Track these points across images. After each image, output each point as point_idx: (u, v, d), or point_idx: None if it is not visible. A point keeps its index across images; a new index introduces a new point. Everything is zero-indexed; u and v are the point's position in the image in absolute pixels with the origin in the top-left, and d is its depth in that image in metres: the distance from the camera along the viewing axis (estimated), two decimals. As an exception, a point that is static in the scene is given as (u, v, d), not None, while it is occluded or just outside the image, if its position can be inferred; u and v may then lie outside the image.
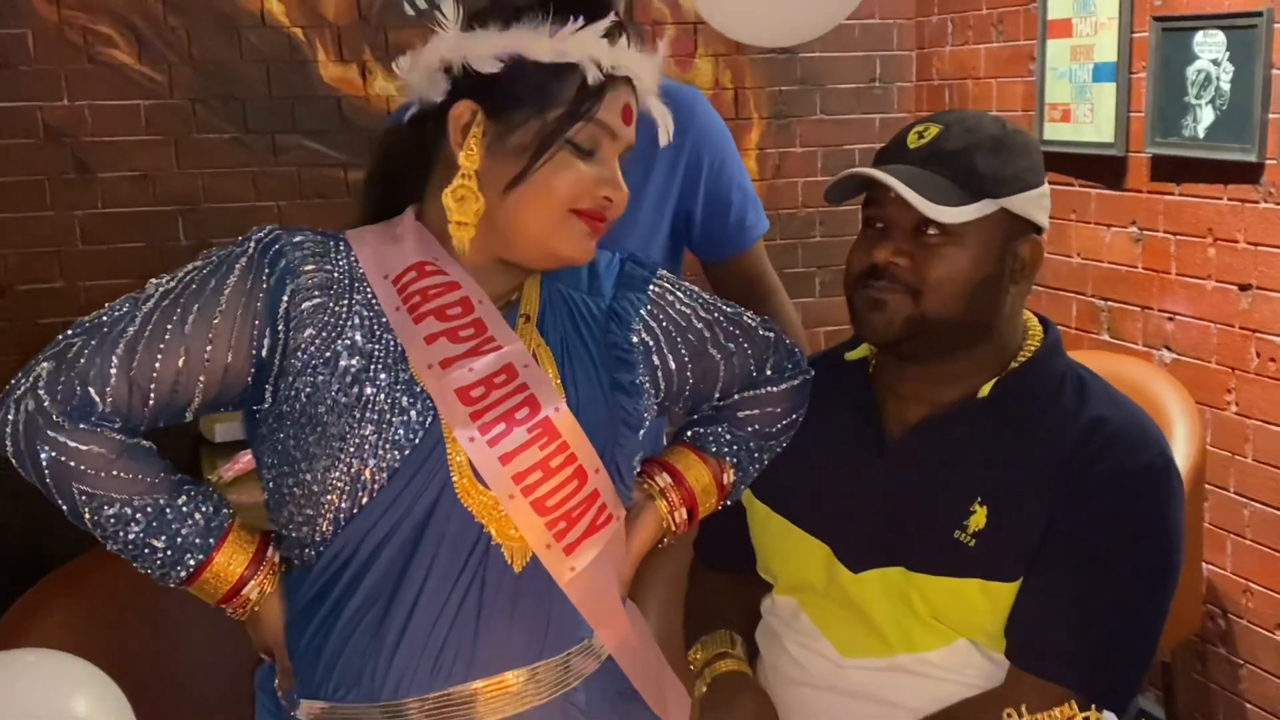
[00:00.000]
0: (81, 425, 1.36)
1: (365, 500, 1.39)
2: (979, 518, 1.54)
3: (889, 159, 1.59)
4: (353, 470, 1.38)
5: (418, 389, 1.41)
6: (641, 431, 1.54)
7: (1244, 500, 3.03)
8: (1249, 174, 2.90)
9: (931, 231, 1.54)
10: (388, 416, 1.39)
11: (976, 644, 1.57)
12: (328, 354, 1.40)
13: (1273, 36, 2.79)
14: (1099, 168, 3.40)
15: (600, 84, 1.40)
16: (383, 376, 1.40)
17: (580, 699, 1.49)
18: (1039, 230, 1.60)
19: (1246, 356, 2.98)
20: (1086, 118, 3.40)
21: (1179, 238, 3.16)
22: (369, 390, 1.39)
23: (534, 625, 1.45)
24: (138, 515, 1.40)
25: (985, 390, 1.59)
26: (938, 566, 1.56)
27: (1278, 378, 2.90)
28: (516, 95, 1.40)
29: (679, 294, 1.60)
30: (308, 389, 1.39)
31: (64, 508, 1.40)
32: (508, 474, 1.41)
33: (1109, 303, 3.42)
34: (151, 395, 1.37)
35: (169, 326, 1.37)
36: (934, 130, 1.57)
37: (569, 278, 1.54)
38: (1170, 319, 3.21)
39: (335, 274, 1.42)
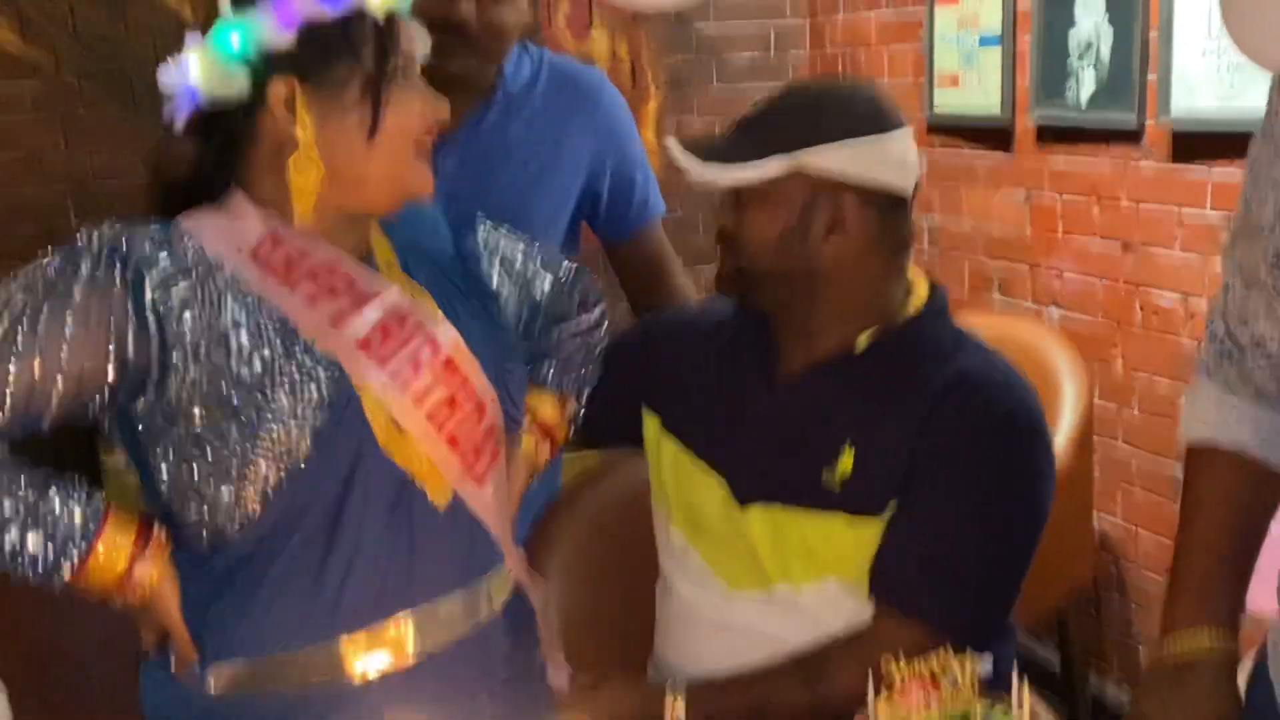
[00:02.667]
0: None
1: (295, 465, 1.40)
2: (846, 459, 1.61)
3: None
4: (276, 439, 1.38)
5: (317, 352, 1.43)
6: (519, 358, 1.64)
7: (1132, 450, 3.12)
8: (1130, 137, 2.99)
9: (743, 192, 1.63)
10: (298, 380, 1.41)
11: (845, 584, 1.62)
12: (215, 335, 1.39)
13: None
14: (987, 134, 3.47)
15: (389, 14, 1.46)
16: (279, 344, 1.41)
17: (501, 624, 1.57)
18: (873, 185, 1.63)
19: (1131, 312, 3.07)
20: (974, 85, 3.47)
21: (1065, 199, 3.24)
22: (271, 360, 1.40)
23: (458, 555, 1.52)
24: (9, 519, 1.37)
25: (861, 343, 1.65)
26: (808, 503, 1.63)
27: (1161, 331, 3.00)
28: (326, 56, 1.43)
29: (501, 230, 1.70)
30: (206, 372, 1.38)
31: None
32: (421, 414, 1.46)
33: (1000, 262, 3.50)
34: (6, 403, 1.35)
35: (20, 330, 1.35)
36: (766, 100, 1.68)
37: (405, 226, 1.59)
38: (1058, 277, 3.30)
39: (190, 258, 1.41)
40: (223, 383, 1.38)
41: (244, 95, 1.43)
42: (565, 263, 1.75)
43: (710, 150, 1.64)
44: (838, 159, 1.60)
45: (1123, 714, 1.34)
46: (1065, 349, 2.90)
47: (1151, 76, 2.89)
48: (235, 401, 1.39)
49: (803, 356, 1.69)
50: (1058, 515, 2.70)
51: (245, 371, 1.39)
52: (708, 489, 1.72)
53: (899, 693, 1.25)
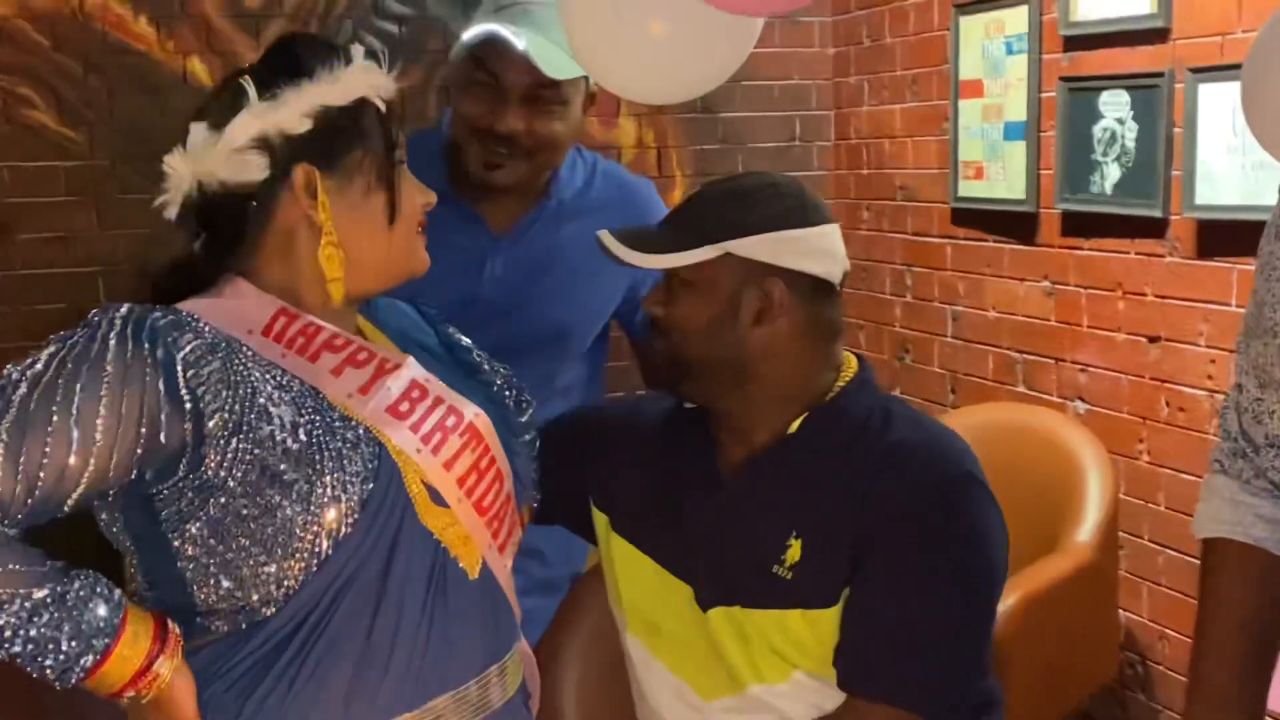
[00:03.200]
0: None
1: (343, 535, 1.39)
2: (794, 551, 1.61)
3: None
4: (327, 510, 1.38)
5: (352, 421, 1.44)
6: (523, 445, 1.66)
7: (1158, 548, 3.09)
8: (1155, 229, 2.99)
9: (673, 278, 1.66)
10: (343, 451, 1.41)
11: (813, 676, 1.61)
12: (255, 409, 1.38)
13: (1174, 96, 2.89)
14: (1012, 223, 3.48)
15: (389, 102, 1.53)
16: (316, 417, 1.42)
17: (515, 704, 1.58)
18: (802, 273, 1.64)
19: (1157, 407, 3.06)
20: (999, 175, 3.49)
21: (1089, 291, 3.24)
22: (316, 432, 1.41)
23: (487, 629, 1.53)
24: (39, 608, 1.32)
25: (794, 427, 1.66)
26: (763, 600, 1.61)
27: (1187, 427, 2.98)
28: (341, 142, 1.48)
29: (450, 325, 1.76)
30: (248, 446, 1.37)
31: None
32: (452, 479, 1.48)
33: (1024, 355, 3.50)
34: (38, 484, 1.31)
35: (53, 410, 1.31)
36: (696, 192, 1.72)
37: (388, 314, 1.65)
38: (1083, 371, 3.29)
39: (209, 339, 1.40)
40: (269, 457, 1.37)
41: (260, 182, 1.46)
42: (503, 368, 1.75)
43: (640, 241, 1.66)
44: (765, 246, 1.62)
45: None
46: (1090, 442, 2.88)
47: (1176, 171, 2.90)
48: (284, 473, 1.38)
49: (741, 449, 1.69)
50: (1082, 612, 2.70)
51: (292, 443, 1.39)
52: (668, 595, 1.70)
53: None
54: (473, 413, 1.53)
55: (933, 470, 1.61)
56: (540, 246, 2.15)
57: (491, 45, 2.04)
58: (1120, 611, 3.10)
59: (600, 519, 1.79)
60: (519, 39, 2.02)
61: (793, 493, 1.64)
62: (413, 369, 1.52)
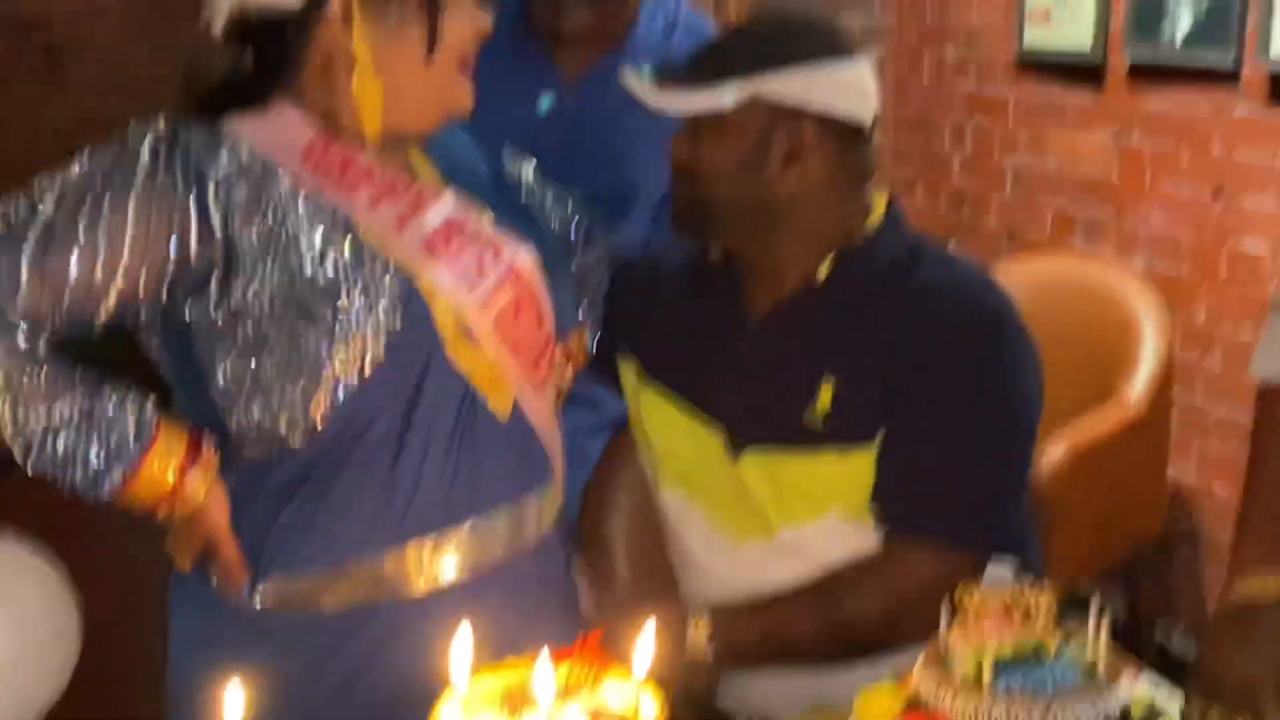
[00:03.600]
0: None
1: (368, 371, 1.39)
2: (826, 394, 1.59)
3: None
4: (351, 343, 1.38)
5: (384, 256, 1.42)
6: (568, 283, 1.64)
7: (1211, 401, 3.07)
8: (1226, 79, 2.90)
9: (700, 122, 1.60)
10: (371, 284, 1.40)
11: (846, 518, 1.61)
12: (283, 238, 1.38)
13: (1254, -62, 2.79)
14: (1077, 72, 3.39)
15: None
16: (347, 250, 1.40)
17: (549, 542, 1.58)
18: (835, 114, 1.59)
19: (1217, 260, 3.01)
20: (1067, 20, 3.39)
21: (1155, 142, 3.16)
22: (344, 263, 1.39)
23: (516, 468, 1.52)
24: (66, 422, 1.34)
25: (823, 272, 1.63)
26: (796, 442, 1.61)
27: (1247, 280, 2.93)
28: None
29: (518, 161, 1.72)
30: (277, 274, 1.37)
31: None
32: (489, 317, 1.46)
33: (1085, 210, 3.43)
34: (66, 298, 1.32)
35: (80, 223, 1.32)
36: (725, 28, 1.67)
37: (443, 147, 1.59)
38: (1144, 222, 3.23)
39: (244, 160, 1.39)
40: (295, 285, 1.37)
41: (298, 5, 1.41)
42: (572, 199, 1.75)
43: (666, 77, 1.62)
44: (796, 85, 1.57)
45: (1188, 662, 1.32)
46: (1147, 297, 2.84)
47: (1251, 17, 2.80)
48: (310, 305, 1.37)
49: (769, 294, 1.66)
50: (1131, 465, 2.69)
51: (319, 275, 1.38)
52: (700, 440, 1.69)
53: (973, 624, 1.24)
54: (513, 251, 1.50)
55: (964, 308, 1.59)
56: (609, 100, 2.10)
57: None
58: (1169, 467, 3.09)
59: (629, 369, 1.78)
60: None
61: (823, 336, 1.63)
62: (451, 204, 1.49)
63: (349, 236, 1.41)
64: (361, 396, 1.40)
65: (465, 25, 1.46)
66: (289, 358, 1.38)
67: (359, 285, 1.39)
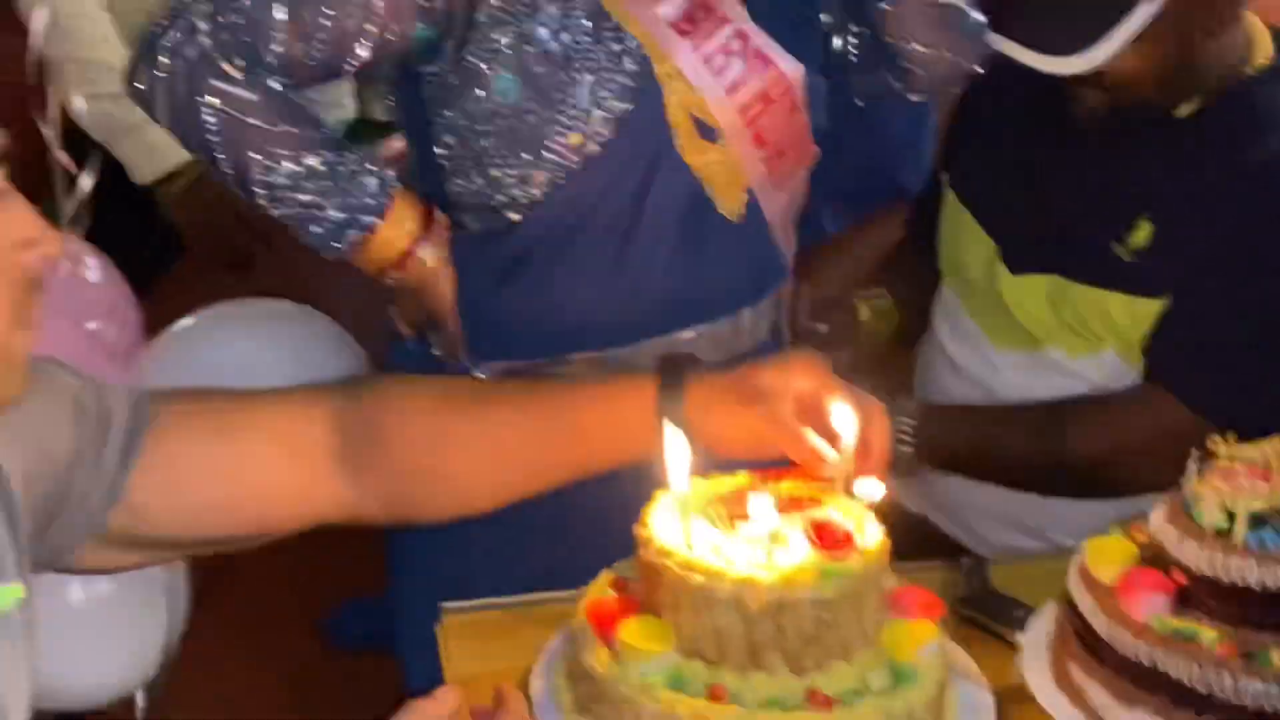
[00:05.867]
0: (247, 74, 1.30)
1: (590, 152, 1.36)
2: (1142, 233, 1.48)
3: None
4: (576, 122, 1.34)
5: (623, 33, 1.37)
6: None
7: None
8: None
9: None
10: (604, 64, 1.35)
11: (1120, 355, 1.53)
12: (524, 3, 1.34)
13: None
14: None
15: None
16: (586, 22, 1.36)
17: (772, 345, 1.56)
18: None
19: None
20: None
21: None
22: (581, 37, 1.35)
23: (749, 270, 1.49)
24: (311, 174, 1.34)
25: (1184, 110, 1.48)
26: (1089, 276, 1.51)
27: None
28: None
29: None
30: (509, 39, 1.34)
31: (229, 172, 1.35)
32: (734, 104, 1.40)
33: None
34: (319, 44, 1.31)
35: None
36: None
37: None
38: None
39: None
40: (528, 52, 1.34)
41: None
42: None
43: (1043, 29, 1.41)
44: None
45: None
46: None
47: None
48: (539, 75, 1.34)
49: (1108, 107, 1.50)
50: None
51: (554, 45, 1.34)
52: (976, 248, 1.61)
53: (1224, 475, 1.14)
54: (761, 37, 1.42)
55: None
56: None
57: None
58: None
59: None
60: None
61: (1156, 171, 1.49)
62: None
63: (591, 9, 1.36)
64: (584, 179, 1.37)
65: None
66: (512, 128, 1.35)
67: (592, 60, 1.35)
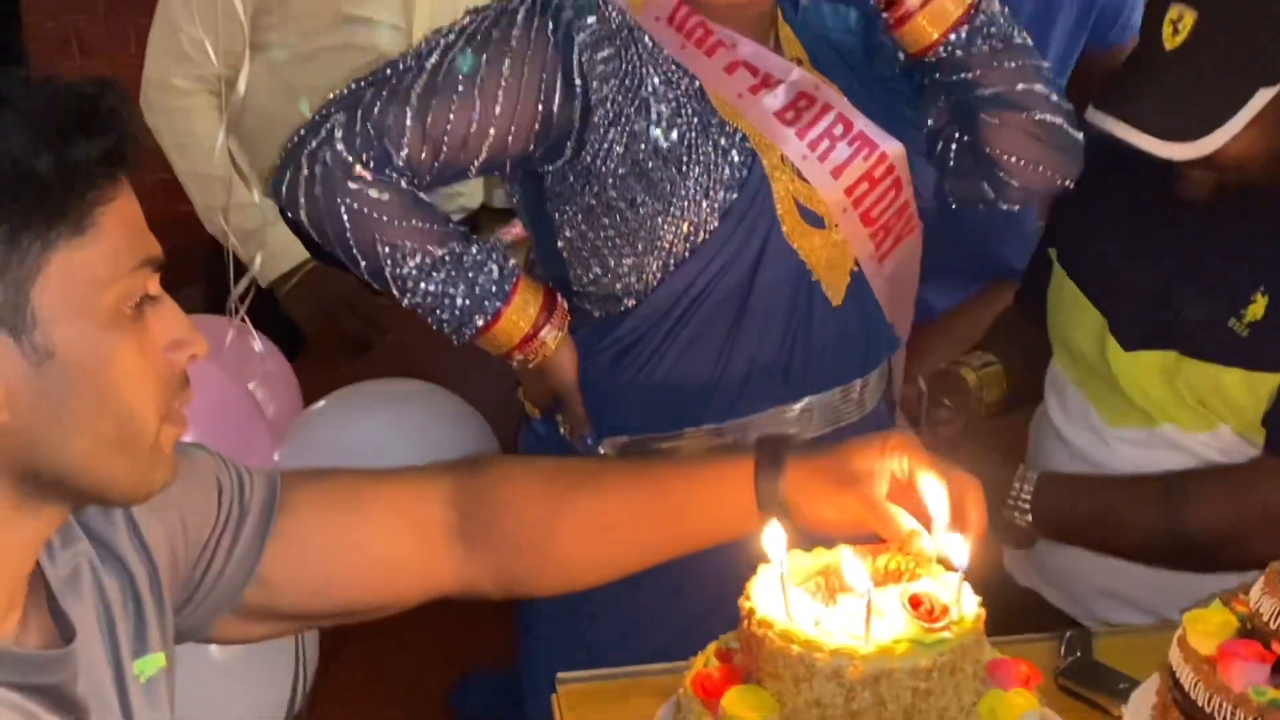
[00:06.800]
0: (378, 176, 1.39)
1: (700, 240, 1.41)
2: (1258, 307, 1.47)
3: (1141, 64, 1.45)
4: (686, 212, 1.40)
5: (729, 127, 1.43)
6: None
7: None
8: None
9: None
10: (713, 157, 1.41)
11: (1240, 433, 1.52)
12: (636, 103, 1.41)
13: None
14: None
15: None
16: (695, 120, 1.42)
17: (883, 411, 1.60)
18: None
19: None
20: None
21: None
22: (689, 134, 1.41)
23: (852, 349, 1.53)
24: (438, 265, 1.42)
25: None
26: (1206, 353, 1.49)
27: None
28: None
29: None
30: (624, 139, 1.40)
31: (362, 264, 1.43)
32: (840, 187, 1.45)
33: None
34: (443, 148, 1.39)
35: (460, 78, 1.38)
36: (1189, 20, 1.39)
37: (815, 20, 1.56)
38: None
39: (613, 25, 1.42)
40: (640, 150, 1.40)
41: None
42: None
43: (1161, 114, 1.40)
44: None
45: None
46: None
47: None
48: (651, 170, 1.40)
49: (1216, 186, 1.50)
50: None
51: (664, 142, 1.40)
52: (1086, 324, 1.61)
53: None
54: (863, 121, 1.47)
55: None
56: None
57: None
58: None
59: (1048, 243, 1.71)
60: None
61: (1269, 243, 1.49)
62: (803, 78, 1.47)
63: (700, 103, 1.43)
64: (694, 265, 1.43)
65: None
66: (627, 222, 1.42)
67: (700, 154, 1.41)
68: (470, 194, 2.47)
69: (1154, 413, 1.56)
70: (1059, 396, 1.69)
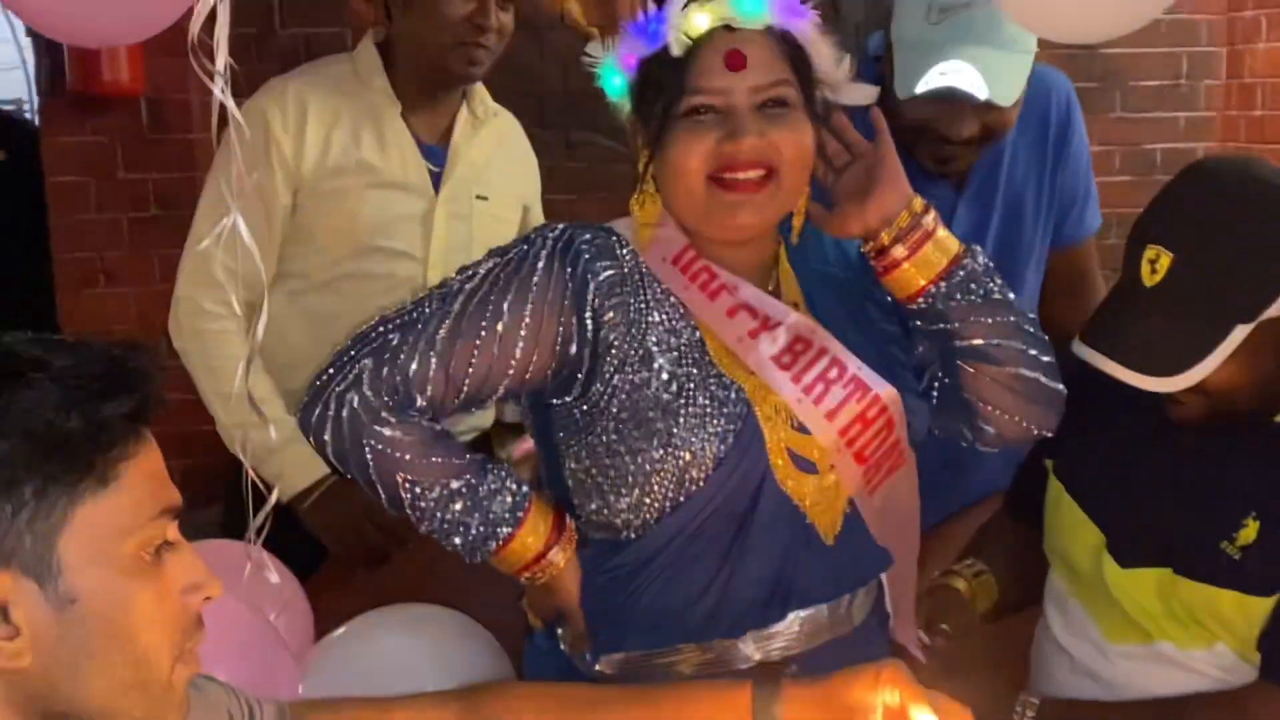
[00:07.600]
0: (401, 418, 1.45)
1: (694, 489, 1.46)
2: (1250, 531, 1.50)
3: (1123, 299, 1.51)
4: (681, 462, 1.44)
5: (725, 378, 1.48)
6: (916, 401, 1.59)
7: None
8: None
9: None
10: (708, 408, 1.46)
11: (1236, 651, 1.53)
12: (640, 352, 1.46)
13: None
14: None
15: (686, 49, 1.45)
16: (695, 370, 1.47)
17: (873, 625, 1.61)
18: None
19: None
20: None
21: None
22: (688, 385, 1.46)
23: (842, 574, 1.55)
24: (455, 496, 1.48)
25: None
26: (1200, 573, 1.52)
27: None
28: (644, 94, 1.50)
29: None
30: (627, 386, 1.45)
31: (383, 495, 1.49)
32: (834, 429, 1.49)
33: None
34: (465, 388, 1.45)
35: (482, 324, 1.44)
36: (1165, 260, 1.45)
37: (815, 253, 1.60)
38: None
39: (625, 269, 1.49)
40: (641, 400, 1.45)
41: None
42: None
43: (1142, 350, 1.45)
44: None
45: None
46: None
47: None
48: (651, 419, 1.45)
49: (1207, 410, 1.54)
50: None
51: (664, 394, 1.45)
52: (1084, 539, 1.64)
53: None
54: (855, 365, 1.51)
55: None
56: (992, 190, 2.09)
57: (947, 101, 1.90)
58: None
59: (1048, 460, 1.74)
60: (972, 66, 1.86)
61: (1262, 474, 1.52)
62: (800, 322, 1.52)
63: (699, 354, 1.48)
64: (690, 507, 1.47)
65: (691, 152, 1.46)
66: (625, 465, 1.46)
67: (696, 407, 1.45)
68: (483, 414, 2.53)
69: (1151, 629, 1.57)
70: (1060, 609, 1.71)
